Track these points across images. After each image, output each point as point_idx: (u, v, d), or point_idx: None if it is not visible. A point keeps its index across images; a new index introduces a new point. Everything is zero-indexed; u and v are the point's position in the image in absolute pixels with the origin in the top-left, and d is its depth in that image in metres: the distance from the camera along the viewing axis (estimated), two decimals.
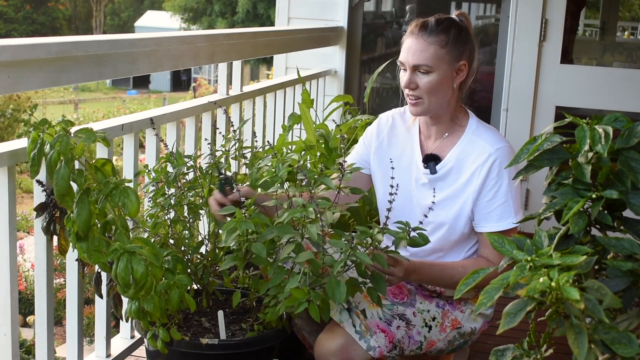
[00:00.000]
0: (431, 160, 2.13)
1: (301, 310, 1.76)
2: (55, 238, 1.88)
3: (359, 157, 2.25)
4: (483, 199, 2.07)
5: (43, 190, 1.83)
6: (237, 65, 3.04)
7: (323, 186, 1.90)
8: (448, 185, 2.11)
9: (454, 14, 2.11)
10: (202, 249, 2.19)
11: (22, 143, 1.89)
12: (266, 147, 2.19)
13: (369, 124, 2.39)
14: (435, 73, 2.03)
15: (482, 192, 2.07)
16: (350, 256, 1.73)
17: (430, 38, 2.03)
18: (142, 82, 26.39)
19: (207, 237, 2.18)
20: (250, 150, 2.34)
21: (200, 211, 2.13)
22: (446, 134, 2.14)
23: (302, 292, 1.75)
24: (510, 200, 2.06)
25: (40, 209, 1.87)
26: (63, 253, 1.89)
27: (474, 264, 2.05)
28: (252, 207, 1.87)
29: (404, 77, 2.07)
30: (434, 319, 2.08)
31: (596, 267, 1.36)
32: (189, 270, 2.02)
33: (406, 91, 2.07)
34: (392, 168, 2.02)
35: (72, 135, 1.65)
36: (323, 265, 1.76)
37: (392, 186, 1.88)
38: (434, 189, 2.10)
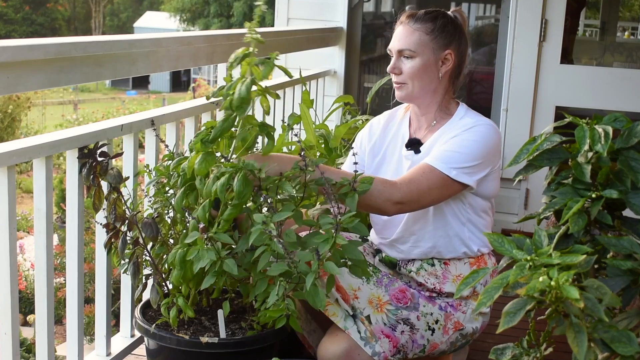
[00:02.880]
0: (414, 144, 2.15)
1: (281, 325, 1.78)
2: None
3: (351, 166, 2.25)
4: (444, 142, 2.05)
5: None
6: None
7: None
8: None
9: (451, 10, 2.14)
10: None
11: (22, 143, 1.89)
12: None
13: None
14: (419, 58, 2.07)
15: (448, 139, 2.05)
16: (320, 268, 1.73)
17: (415, 25, 2.09)
18: (141, 83, 26.39)
19: None
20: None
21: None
22: (434, 122, 2.16)
23: (278, 310, 1.75)
24: (463, 155, 2.01)
25: (83, 156, 2.04)
26: (96, 211, 2.09)
27: (377, 179, 1.95)
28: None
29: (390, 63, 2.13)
30: (437, 321, 2.08)
31: (596, 266, 1.37)
32: None
33: (392, 77, 2.12)
34: (356, 163, 1.96)
35: None
36: (298, 273, 1.75)
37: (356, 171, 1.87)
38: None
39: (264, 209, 1.85)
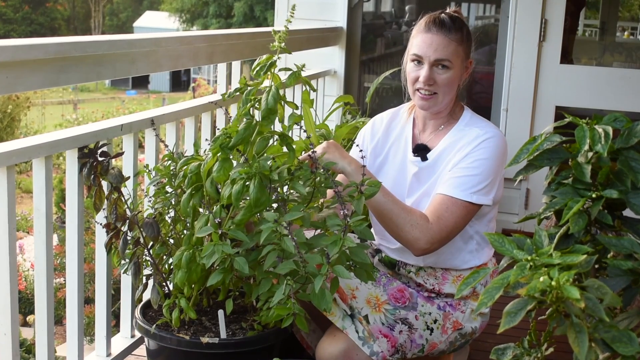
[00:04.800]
0: (421, 150, 2.14)
1: (288, 324, 1.76)
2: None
3: None
4: (455, 163, 2.05)
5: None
6: (236, 65, 3.04)
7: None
8: (436, 171, 2.10)
9: (450, 11, 2.12)
10: None
11: (22, 143, 1.89)
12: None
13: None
14: (453, 70, 2.06)
15: (459, 159, 2.04)
16: (329, 271, 1.72)
17: (450, 34, 2.05)
18: (141, 83, 26.39)
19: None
20: None
21: (200, 210, 2.13)
22: (441, 127, 2.15)
23: (286, 308, 1.74)
24: (478, 177, 2.01)
25: (83, 156, 2.03)
26: (97, 211, 2.08)
27: (418, 213, 1.98)
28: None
29: (417, 71, 2.07)
30: (435, 321, 2.08)
31: (596, 266, 1.37)
32: None
33: (419, 85, 2.07)
34: (363, 164, 1.97)
35: None
36: (306, 274, 1.75)
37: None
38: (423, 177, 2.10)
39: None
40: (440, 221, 1.97)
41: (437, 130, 2.15)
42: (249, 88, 1.90)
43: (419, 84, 2.07)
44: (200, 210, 1.97)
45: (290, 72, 1.90)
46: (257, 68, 1.88)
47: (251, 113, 1.89)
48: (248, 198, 1.80)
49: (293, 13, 1.94)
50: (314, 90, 2.05)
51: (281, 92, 3.25)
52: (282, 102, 1.89)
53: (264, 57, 1.89)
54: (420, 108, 2.12)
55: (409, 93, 2.14)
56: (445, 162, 2.08)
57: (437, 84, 2.05)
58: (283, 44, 1.89)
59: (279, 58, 1.89)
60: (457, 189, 2.00)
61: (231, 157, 1.88)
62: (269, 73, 1.88)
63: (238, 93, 1.93)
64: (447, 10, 2.11)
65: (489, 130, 2.08)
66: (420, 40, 2.07)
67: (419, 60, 2.07)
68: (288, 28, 1.90)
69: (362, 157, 2.05)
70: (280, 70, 1.91)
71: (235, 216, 1.85)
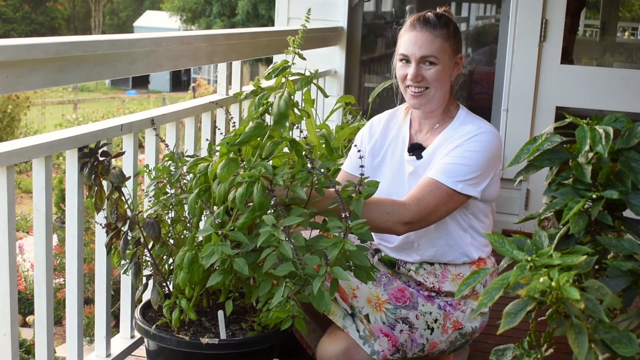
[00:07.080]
0: (416, 149, 2.15)
1: (287, 326, 1.76)
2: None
3: (351, 166, 2.26)
4: (446, 153, 2.05)
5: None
6: (236, 65, 3.04)
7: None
8: (429, 166, 2.10)
9: (440, 10, 2.13)
10: None
11: (21, 143, 1.89)
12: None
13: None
14: (440, 65, 2.07)
15: (451, 149, 2.05)
16: (328, 273, 1.72)
17: (435, 31, 2.07)
18: (141, 82, 26.38)
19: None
20: None
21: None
22: (437, 125, 2.16)
23: (285, 311, 1.74)
24: (466, 167, 2.01)
25: (84, 156, 2.03)
26: (98, 210, 2.08)
27: (388, 201, 1.97)
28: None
29: (405, 69, 2.10)
30: (435, 320, 2.08)
31: (596, 267, 1.37)
32: None
33: (408, 83, 2.09)
34: (362, 166, 1.97)
35: None
36: (305, 276, 1.74)
37: (362, 174, 1.86)
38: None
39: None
40: (420, 202, 1.97)
41: (432, 130, 2.16)
42: (263, 93, 1.90)
43: (408, 82, 2.09)
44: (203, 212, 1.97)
45: (300, 76, 1.91)
46: (271, 71, 1.90)
47: (262, 117, 1.89)
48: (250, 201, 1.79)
49: (308, 18, 1.95)
50: (326, 97, 2.06)
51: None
52: (295, 109, 1.89)
53: (279, 61, 1.90)
54: (413, 107, 2.14)
55: (401, 93, 2.15)
56: (437, 156, 2.09)
57: (426, 80, 2.07)
58: (297, 49, 1.90)
59: (294, 63, 1.90)
60: (443, 175, 2.01)
61: (240, 155, 1.89)
62: (277, 76, 1.89)
63: (251, 95, 1.94)
64: (435, 10, 2.13)
65: (483, 126, 2.09)
66: (406, 39, 2.10)
67: (406, 59, 2.10)
68: (305, 28, 1.90)
69: (360, 157, 2.06)
70: (292, 75, 1.92)
71: (238, 218, 1.84)
